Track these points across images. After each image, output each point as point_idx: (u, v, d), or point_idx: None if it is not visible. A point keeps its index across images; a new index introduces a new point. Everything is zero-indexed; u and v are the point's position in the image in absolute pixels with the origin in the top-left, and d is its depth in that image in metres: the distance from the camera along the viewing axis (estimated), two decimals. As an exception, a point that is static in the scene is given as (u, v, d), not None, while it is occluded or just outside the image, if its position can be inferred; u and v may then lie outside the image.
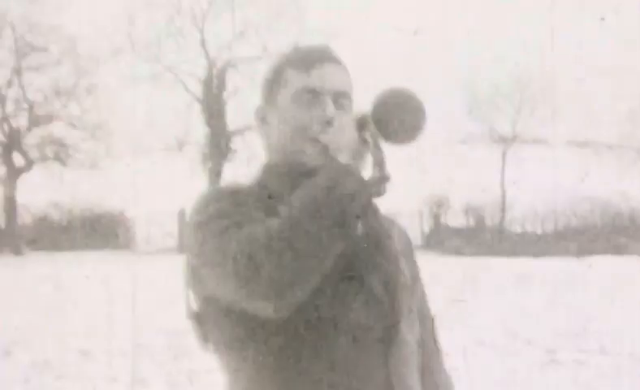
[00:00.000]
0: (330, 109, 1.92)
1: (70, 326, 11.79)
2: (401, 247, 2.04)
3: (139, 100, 30.99)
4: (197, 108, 32.57)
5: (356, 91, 1.99)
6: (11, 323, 12.03)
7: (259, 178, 2.01)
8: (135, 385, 8.10)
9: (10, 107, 31.35)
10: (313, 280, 1.72)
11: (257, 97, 2.09)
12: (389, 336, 1.89)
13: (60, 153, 31.64)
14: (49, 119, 31.48)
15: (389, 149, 1.81)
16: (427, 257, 24.94)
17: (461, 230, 30.19)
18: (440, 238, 29.93)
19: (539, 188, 29.05)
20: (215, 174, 31.68)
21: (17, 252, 28.40)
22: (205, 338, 1.92)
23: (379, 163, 1.79)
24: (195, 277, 1.89)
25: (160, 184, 29.66)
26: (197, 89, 32.64)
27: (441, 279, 16.36)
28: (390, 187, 1.79)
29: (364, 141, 1.81)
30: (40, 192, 29.46)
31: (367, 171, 1.80)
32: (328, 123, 1.90)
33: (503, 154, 32.21)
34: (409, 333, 1.95)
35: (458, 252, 28.37)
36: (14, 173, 30.70)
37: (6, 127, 30.98)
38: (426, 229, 30.80)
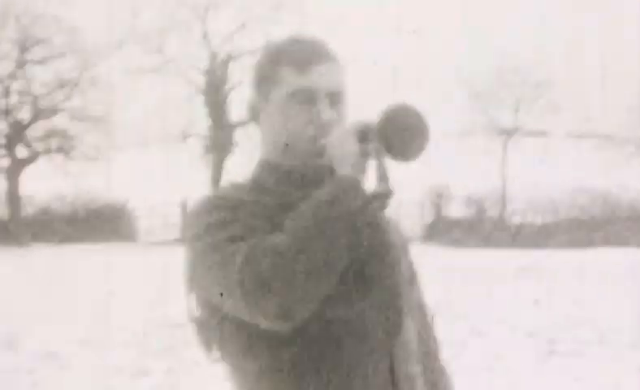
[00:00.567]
0: (327, 111, 1.90)
1: (73, 316, 11.83)
2: (400, 243, 2.05)
3: (142, 92, 31.00)
4: (200, 100, 32.59)
5: (357, 89, 1.99)
6: (15, 314, 12.06)
7: (256, 174, 1.99)
8: (138, 375, 8.15)
9: (14, 99, 31.36)
10: (321, 294, 1.72)
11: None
12: (393, 332, 1.92)
13: (64, 145, 31.66)
14: (53, 111, 31.49)
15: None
16: (428, 248, 24.96)
17: (462, 221, 30.14)
18: (441, 229, 29.92)
19: (539, 180, 29.01)
20: (217, 166, 31.67)
21: (21, 243, 28.41)
22: (208, 344, 1.92)
23: (383, 178, 1.78)
24: (197, 284, 1.88)
25: (162, 175, 29.70)
26: (200, 82, 32.65)
27: (441, 270, 16.38)
28: (389, 205, 1.79)
29: (366, 154, 1.79)
30: (43, 184, 29.45)
31: (367, 182, 1.78)
32: (325, 125, 1.89)
33: (504, 146, 32.19)
34: (411, 327, 1.97)
35: (459, 243, 28.38)
36: (18, 165, 30.73)
37: (9, 119, 30.99)
38: (427, 220, 30.80)
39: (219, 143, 31.35)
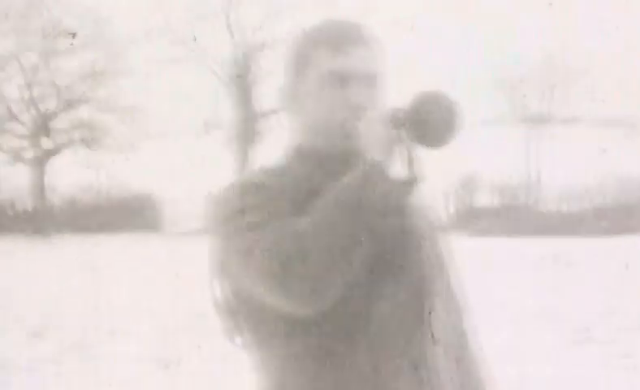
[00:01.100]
0: (361, 94, 1.87)
1: (99, 307, 11.86)
2: (428, 231, 1.99)
3: (167, 83, 31.08)
4: (227, 90, 32.64)
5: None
6: (41, 305, 12.12)
7: (284, 159, 1.96)
8: (163, 366, 8.14)
9: (38, 91, 31.52)
10: (345, 279, 1.70)
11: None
12: (417, 321, 1.87)
13: (88, 136, 31.81)
14: (78, 102, 31.64)
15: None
16: (455, 237, 24.87)
17: (490, 210, 30.09)
18: (468, 218, 29.85)
19: (570, 167, 28.91)
20: (243, 156, 31.74)
21: (46, 234, 28.59)
22: (233, 331, 1.90)
23: (412, 163, 1.76)
24: (223, 270, 1.87)
25: (188, 166, 29.76)
26: (226, 72, 32.70)
27: (469, 260, 16.31)
28: (416, 191, 1.79)
29: (396, 139, 1.76)
30: (68, 175, 29.63)
31: (396, 168, 1.76)
32: (358, 108, 1.85)
33: (534, 134, 32.08)
34: (439, 317, 1.91)
35: (486, 232, 28.28)
36: (43, 156, 30.90)
37: (34, 110, 31.15)
38: (454, 209, 30.73)
39: (245, 133, 31.43)
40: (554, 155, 30.54)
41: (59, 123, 31.59)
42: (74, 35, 30.80)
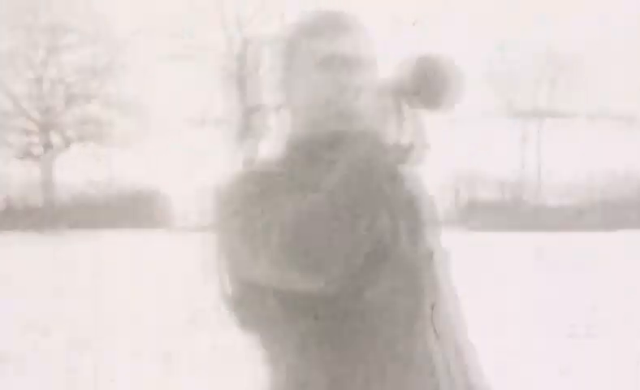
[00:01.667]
0: (355, 77, 1.91)
1: (108, 303, 11.88)
2: (429, 217, 2.02)
3: (173, 77, 31.05)
4: (231, 84, 32.57)
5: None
6: (50, 302, 12.13)
7: (283, 153, 2.01)
8: (170, 361, 8.16)
9: (46, 87, 31.52)
10: (360, 251, 1.71)
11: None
12: (426, 313, 1.90)
13: (97, 131, 31.81)
14: (86, 98, 31.64)
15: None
16: (456, 232, 24.85)
17: (491, 204, 29.98)
18: (470, 213, 29.76)
19: (571, 163, 28.82)
20: (251, 151, 31.65)
21: (56, 230, 28.61)
22: (242, 322, 1.92)
23: (419, 130, 1.78)
24: (231, 260, 1.89)
25: (196, 161, 29.71)
26: (232, 66, 32.64)
27: (469, 254, 16.30)
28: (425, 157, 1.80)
29: (399, 109, 1.78)
30: (77, 171, 29.63)
31: (401, 139, 1.78)
32: (354, 89, 1.89)
33: (535, 129, 31.97)
34: (444, 308, 1.96)
35: (487, 227, 28.19)
36: (51, 152, 30.92)
37: (42, 106, 31.16)
38: (456, 204, 30.63)
39: (250, 127, 31.33)
40: (552, 150, 30.45)
41: (68, 118, 31.59)
42: (77, 32, 30.79)
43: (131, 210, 30.41)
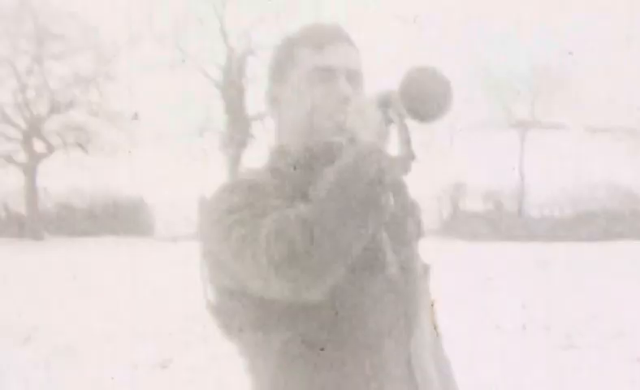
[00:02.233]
0: (347, 86, 1.92)
1: (90, 311, 11.85)
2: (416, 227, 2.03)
3: (159, 87, 31.02)
4: (217, 95, 32.59)
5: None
6: (32, 309, 12.09)
7: (271, 162, 2.00)
8: (156, 370, 8.15)
9: (30, 94, 31.41)
10: (348, 259, 1.70)
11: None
12: (411, 323, 1.90)
13: (81, 139, 31.72)
14: (70, 105, 31.54)
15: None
16: (445, 242, 24.91)
17: (479, 215, 30.07)
18: (458, 223, 29.84)
19: (558, 173, 28.94)
20: (235, 160, 31.69)
21: (38, 237, 28.52)
22: (226, 329, 1.91)
23: (406, 141, 1.78)
24: (215, 269, 1.88)
25: (180, 170, 29.69)
26: (217, 76, 32.65)
27: (459, 264, 16.34)
28: (412, 168, 1.79)
29: (388, 120, 1.79)
30: (61, 179, 29.56)
31: (390, 150, 1.79)
32: (345, 100, 1.90)
33: (522, 139, 32.06)
34: (426, 319, 1.96)
35: (476, 237, 28.28)
36: (35, 159, 30.80)
37: (26, 113, 31.05)
38: (444, 214, 30.71)
39: (236, 137, 31.38)
40: (542, 161, 30.54)
41: (51, 125, 31.48)
42: (63, 39, 30.70)
43: (115, 219, 30.35)
